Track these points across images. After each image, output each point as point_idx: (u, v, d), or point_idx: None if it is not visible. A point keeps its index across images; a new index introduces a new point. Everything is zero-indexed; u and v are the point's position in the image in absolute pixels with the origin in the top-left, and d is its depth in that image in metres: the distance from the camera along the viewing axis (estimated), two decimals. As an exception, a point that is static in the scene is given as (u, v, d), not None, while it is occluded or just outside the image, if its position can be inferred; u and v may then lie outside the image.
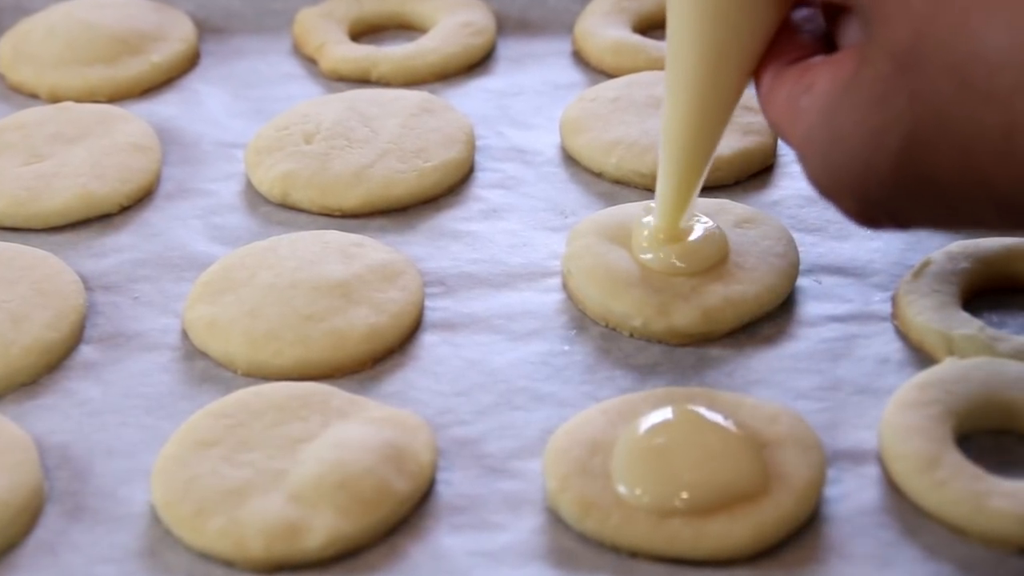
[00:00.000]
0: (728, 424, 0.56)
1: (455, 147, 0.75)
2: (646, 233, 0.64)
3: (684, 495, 0.53)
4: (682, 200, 0.62)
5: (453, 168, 0.74)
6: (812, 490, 0.55)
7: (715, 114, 0.59)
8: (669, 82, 0.58)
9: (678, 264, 0.64)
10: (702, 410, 0.57)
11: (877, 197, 0.50)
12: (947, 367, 0.59)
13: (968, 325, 0.61)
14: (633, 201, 0.70)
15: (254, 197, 0.74)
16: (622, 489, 0.54)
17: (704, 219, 0.65)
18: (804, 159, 0.53)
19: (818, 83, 0.52)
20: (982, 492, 0.54)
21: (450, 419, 0.60)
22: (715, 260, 0.64)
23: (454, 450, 0.58)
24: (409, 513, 0.55)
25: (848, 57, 0.51)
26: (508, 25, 0.88)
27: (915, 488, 0.55)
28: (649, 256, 0.64)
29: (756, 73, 0.56)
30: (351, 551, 0.54)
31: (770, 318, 0.64)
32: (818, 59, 0.53)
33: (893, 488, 0.56)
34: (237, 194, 0.75)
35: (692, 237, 0.64)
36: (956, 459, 0.55)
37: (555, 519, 0.55)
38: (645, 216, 0.66)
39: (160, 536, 0.55)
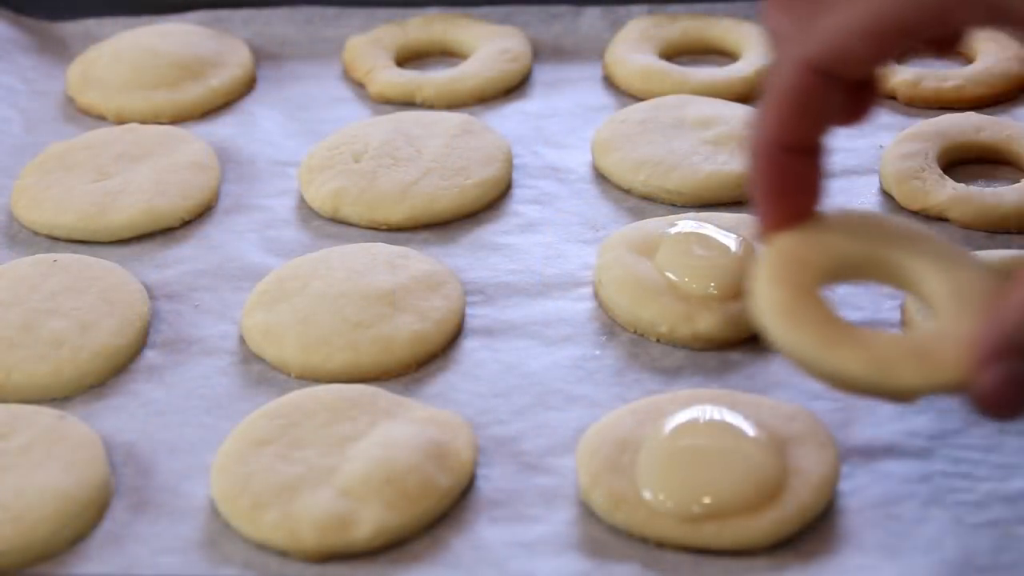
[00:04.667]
0: (749, 424, 0.56)
1: (494, 165, 0.75)
2: (684, 258, 0.64)
3: (706, 500, 0.53)
4: None
5: (492, 185, 0.75)
6: (827, 484, 0.55)
7: None
8: None
9: (712, 291, 0.64)
10: (724, 411, 0.57)
11: None
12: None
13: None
14: (659, 216, 0.71)
15: (307, 212, 0.75)
16: (647, 494, 0.54)
17: (737, 241, 0.65)
18: None
19: None
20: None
21: (489, 419, 0.61)
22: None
23: (493, 447, 0.59)
24: (451, 506, 0.56)
25: None
26: (543, 52, 0.88)
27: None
28: (674, 278, 0.64)
29: None
30: (397, 542, 0.55)
31: (788, 324, 0.63)
32: None
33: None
34: (291, 209, 0.75)
35: (725, 261, 0.64)
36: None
37: (587, 512, 0.56)
38: (669, 229, 0.67)
39: (219, 528, 0.56)
